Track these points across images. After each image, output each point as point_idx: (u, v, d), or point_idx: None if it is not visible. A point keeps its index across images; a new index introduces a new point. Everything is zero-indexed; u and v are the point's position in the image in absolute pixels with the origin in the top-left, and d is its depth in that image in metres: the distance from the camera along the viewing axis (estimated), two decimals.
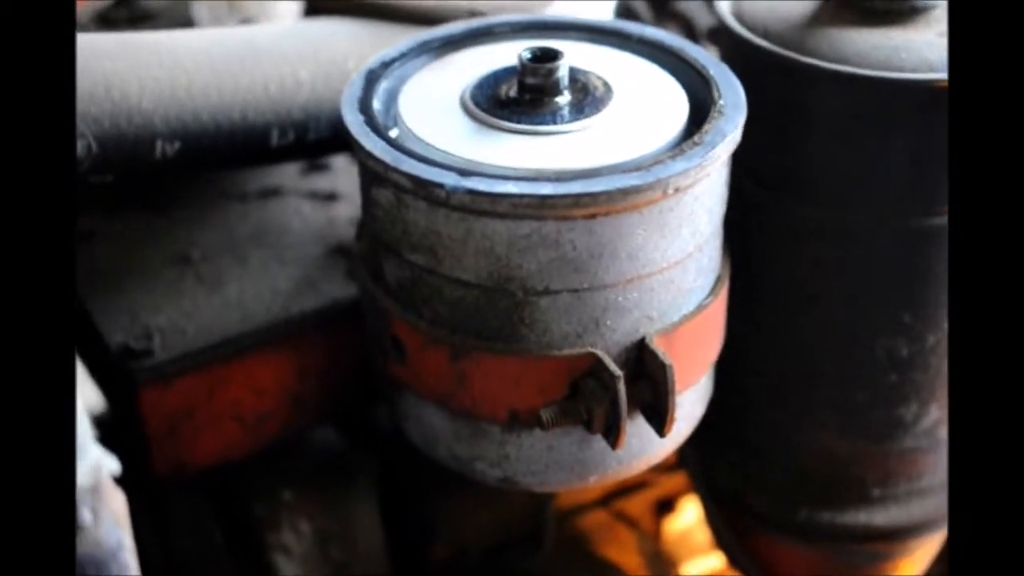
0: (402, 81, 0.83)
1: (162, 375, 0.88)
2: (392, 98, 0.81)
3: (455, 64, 0.84)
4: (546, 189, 0.70)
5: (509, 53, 0.82)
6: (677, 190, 0.72)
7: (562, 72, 0.77)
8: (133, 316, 0.91)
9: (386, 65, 0.83)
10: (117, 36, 0.88)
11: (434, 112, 0.79)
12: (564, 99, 0.78)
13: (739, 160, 0.78)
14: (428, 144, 0.75)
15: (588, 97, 0.78)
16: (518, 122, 0.76)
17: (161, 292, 0.93)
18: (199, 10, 1.09)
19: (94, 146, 0.81)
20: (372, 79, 0.81)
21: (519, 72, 0.78)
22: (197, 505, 1.00)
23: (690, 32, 1.21)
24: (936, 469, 1.00)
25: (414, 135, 0.77)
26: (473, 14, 0.92)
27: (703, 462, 1.04)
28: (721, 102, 0.77)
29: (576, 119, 0.76)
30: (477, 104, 0.78)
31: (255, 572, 1.00)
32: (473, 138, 0.76)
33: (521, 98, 0.78)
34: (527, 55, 0.77)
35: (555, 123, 0.76)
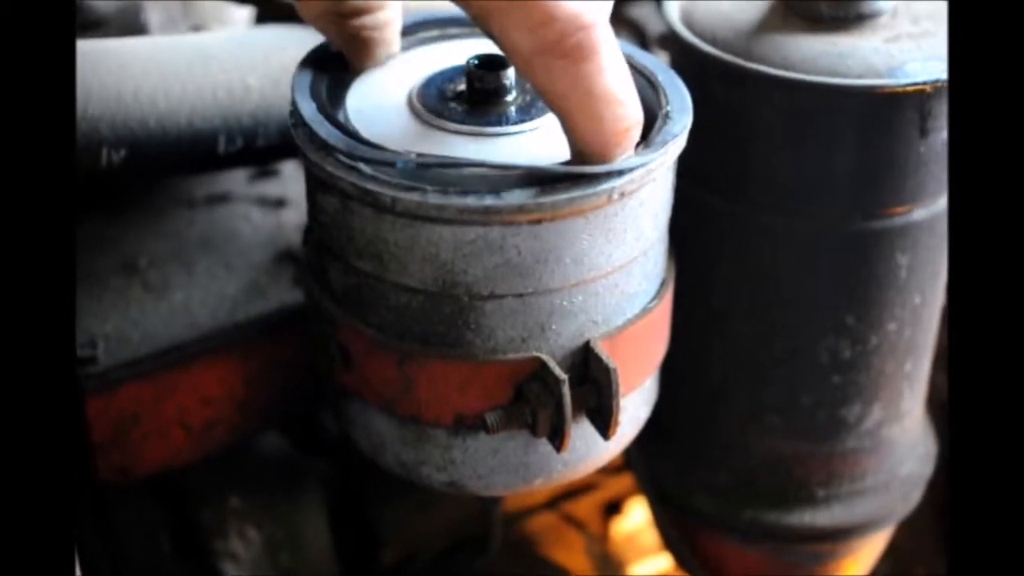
0: (348, 83, 0.82)
1: (107, 382, 0.87)
2: (339, 101, 0.81)
3: (402, 63, 0.83)
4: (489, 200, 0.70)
5: (458, 51, 0.82)
6: (622, 195, 0.72)
7: (510, 77, 0.78)
8: (78, 324, 0.90)
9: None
10: None
11: (381, 113, 0.78)
12: (512, 100, 0.78)
13: (686, 165, 0.78)
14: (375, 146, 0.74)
15: (536, 99, 0.78)
16: (463, 123, 0.76)
17: (107, 299, 0.93)
18: (151, 14, 1.09)
19: None
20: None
21: (467, 77, 0.78)
22: (144, 512, 0.99)
23: (641, 38, 1.22)
24: (879, 469, 1.01)
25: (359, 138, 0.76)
26: None
27: (649, 464, 1.05)
28: (668, 107, 0.77)
29: (524, 120, 0.76)
30: (424, 105, 0.78)
31: None
32: (420, 140, 0.75)
33: (469, 99, 0.78)
34: (474, 62, 0.77)
35: (502, 124, 0.76)
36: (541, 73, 0.66)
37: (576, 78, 0.66)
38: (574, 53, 0.65)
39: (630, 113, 0.68)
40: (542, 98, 0.68)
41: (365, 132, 0.75)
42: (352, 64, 0.81)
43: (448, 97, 0.78)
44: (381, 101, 0.79)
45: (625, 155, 0.71)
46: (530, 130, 0.76)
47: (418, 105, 0.78)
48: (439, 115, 0.77)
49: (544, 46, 0.65)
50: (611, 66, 0.66)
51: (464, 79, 0.78)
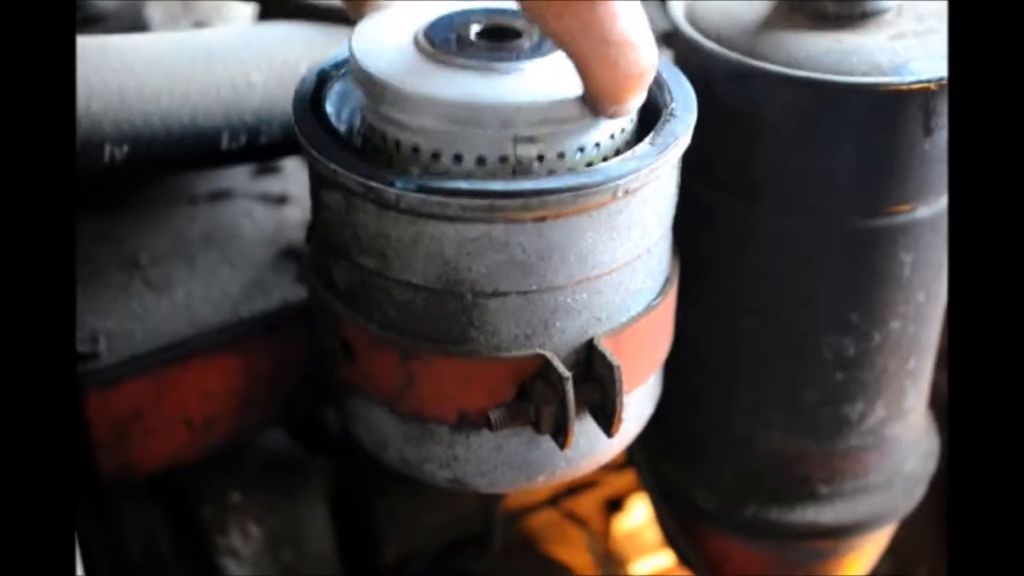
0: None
1: (109, 378, 0.87)
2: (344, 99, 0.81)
3: (408, 11, 0.80)
4: (496, 186, 0.70)
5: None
6: (627, 193, 0.72)
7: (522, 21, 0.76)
8: (79, 319, 0.90)
9: (339, 66, 0.82)
10: None
11: (386, 50, 0.76)
12: (523, 38, 0.76)
13: (690, 162, 0.78)
14: (378, 80, 0.73)
15: (547, 42, 0.75)
16: (472, 58, 0.74)
17: (109, 295, 0.92)
18: (153, 11, 1.09)
19: None
20: (324, 80, 0.81)
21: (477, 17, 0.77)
22: (144, 508, 0.99)
23: None
24: (882, 466, 1.01)
25: (366, 71, 0.74)
26: None
27: (652, 461, 1.05)
28: (672, 105, 0.77)
29: (535, 56, 0.74)
30: (431, 42, 0.75)
31: None
32: (427, 76, 0.73)
33: (479, 36, 0.76)
34: (477, 29, 0.76)
35: (513, 60, 0.74)
36: (553, 17, 0.65)
37: (589, 21, 0.65)
38: None
39: (644, 58, 0.67)
40: (554, 41, 0.67)
41: (372, 69, 0.74)
42: (354, 10, 0.80)
43: (457, 35, 0.76)
44: (386, 40, 0.77)
45: (638, 100, 0.70)
46: (542, 65, 0.74)
47: (424, 43, 0.75)
48: (447, 51, 0.74)
49: None
50: (625, 9, 0.65)
51: (473, 20, 0.77)
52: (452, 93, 0.71)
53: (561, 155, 0.73)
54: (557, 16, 0.65)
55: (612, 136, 0.75)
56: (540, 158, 0.72)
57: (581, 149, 0.73)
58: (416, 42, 0.75)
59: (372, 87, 0.73)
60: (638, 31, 0.66)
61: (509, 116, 0.71)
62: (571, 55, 0.67)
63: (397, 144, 0.74)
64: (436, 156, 0.73)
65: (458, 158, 0.72)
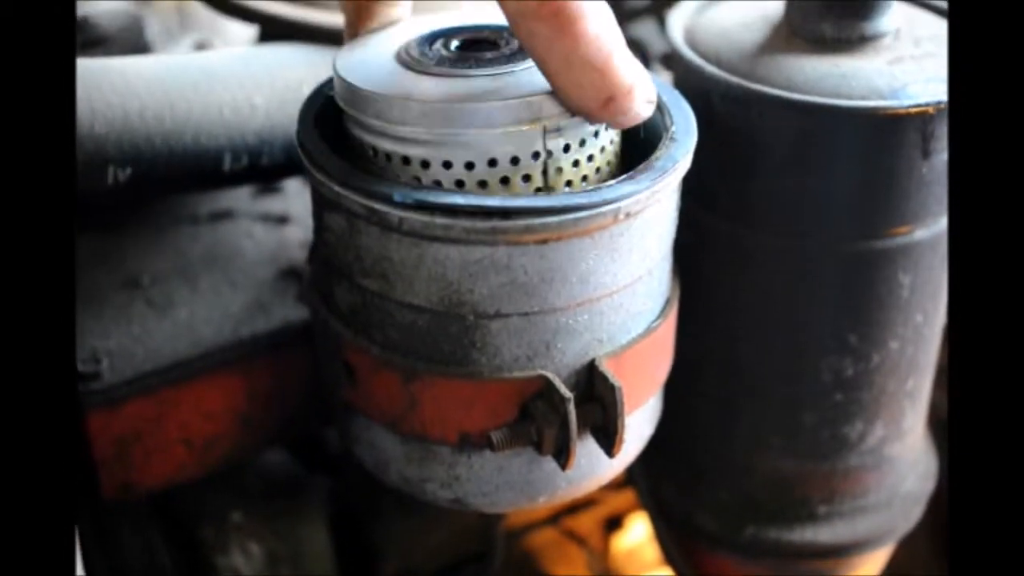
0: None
1: (110, 399, 0.87)
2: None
3: (394, 30, 0.81)
4: (495, 202, 0.70)
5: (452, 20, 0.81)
6: (628, 215, 0.72)
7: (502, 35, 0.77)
8: (81, 340, 0.90)
9: None
10: None
11: (368, 65, 0.76)
12: (502, 49, 0.76)
13: (690, 185, 0.79)
14: (356, 87, 0.73)
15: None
16: (452, 67, 0.74)
17: (110, 316, 0.93)
18: (152, 25, 1.09)
19: None
20: (327, 101, 0.81)
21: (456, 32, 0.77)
22: (146, 528, 0.99)
23: (644, 57, 1.22)
24: (880, 486, 1.01)
25: (345, 82, 0.74)
26: None
27: (651, 480, 1.05)
28: (673, 128, 0.77)
29: (514, 62, 0.74)
30: (411, 55, 0.75)
31: None
32: (407, 84, 0.73)
33: (459, 48, 0.77)
34: (456, 44, 0.77)
35: (492, 65, 0.74)
36: (524, 34, 0.66)
37: (554, 43, 0.66)
38: (553, 19, 0.65)
39: (611, 83, 0.67)
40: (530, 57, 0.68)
41: (352, 79, 0.74)
42: (350, 30, 0.80)
43: (439, 48, 0.76)
44: (369, 56, 0.77)
45: (619, 120, 0.70)
46: (521, 70, 0.73)
47: (406, 56, 0.75)
48: (429, 63, 0.74)
49: (525, 9, 0.65)
50: (595, 35, 0.65)
51: (453, 38, 0.77)
52: (427, 95, 0.71)
53: (583, 142, 0.74)
54: (528, 33, 0.66)
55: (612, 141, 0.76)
56: (567, 148, 0.73)
57: (596, 134, 0.74)
58: (398, 56, 0.76)
59: (357, 98, 0.73)
60: (607, 57, 0.66)
61: (539, 105, 0.71)
62: (543, 72, 0.68)
63: (388, 156, 0.74)
64: (425, 165, 0.73)
65: (447, 164, 0.72)
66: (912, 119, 0.83)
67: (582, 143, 0.74)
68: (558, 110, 0.71)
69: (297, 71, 0.93)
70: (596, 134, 0.75)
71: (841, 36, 0.88)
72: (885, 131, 0.84)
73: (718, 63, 0.88)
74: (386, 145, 0.74)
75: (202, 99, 0.88)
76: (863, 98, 0.84)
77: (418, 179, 0.73)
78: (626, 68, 0.68)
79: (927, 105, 0.83)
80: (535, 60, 0.68)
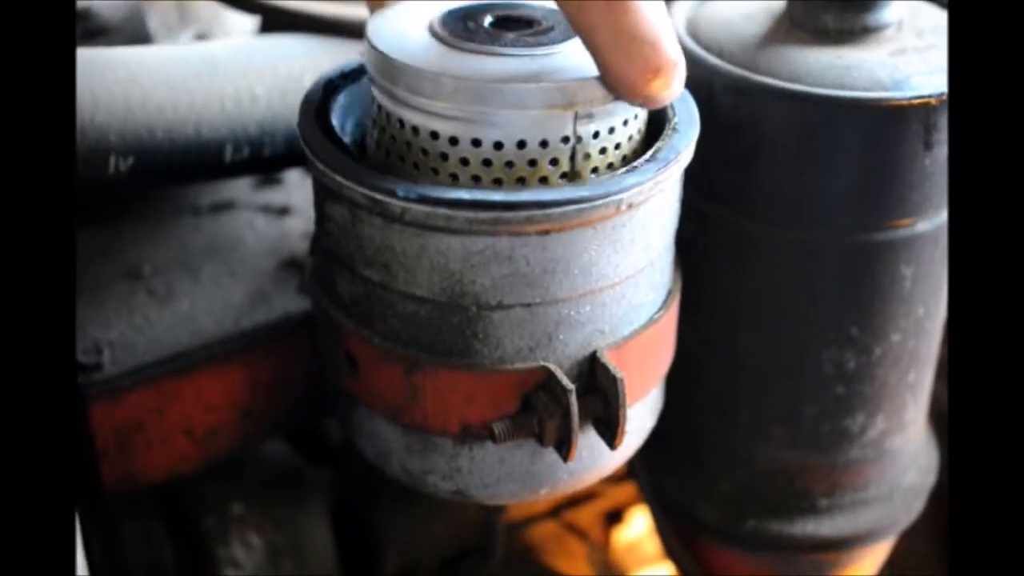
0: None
1: (112, 390, 0.87)
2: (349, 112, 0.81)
3: (418, 7, 0.80)
4: (499, 196, 0.70)
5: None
6: (630, 206, 0.72)
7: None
8: (83, 331, 0.90)
9: (344, 78, 0.82)
10: None
11: (401, 36, 0.75)
12: (538, 27, 0.76)
13: (692, 176, 0.79)
14: (389, 57, 0.72)
15: (558, 28, 0.75)
16: (486, 44, 0.73)
17: (111, 307, 0.93)
18: (152, 20, 1.09)
19: None
20: (330, 92, 0.81)
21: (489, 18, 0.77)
22: (146, 519, 0.99)
23: None
24: (882, 479, 1.01)
25: (378, 52, 0.73)
26: None
27: (652, 473, 1.05)
28: (675, 119, 0.77)
29: (549, 43, 0.74)
30: (446, 29, 0.75)
31: None
32: (441, 60, 0.73)
33: (493, 25, 0.76)
34: (490, 21, 0.76)
35: (527, 47, 0.73)
36: (573, 9, 0.66)
37: (607, 16, 0.66)
38: None
39: (661, 56, 0.68)
40: (576, 32, 0.68)
41: (385, 49, 0.73)
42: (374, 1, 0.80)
43: (472, 24, 0.76)
44: (401, 26, 0.76)
45: (662, 96, 0.70)
46: (556, 52, 0.73)
47: (440, 29, 0.75)
48: (462, 38, 0.74)
49: None
50: (648, 7, 0.66)
51: (487, 14, 0.77)
52: (461, 72, 0.71)
53: (612, 130, 0.73)
54: (577, 9, 0.66)
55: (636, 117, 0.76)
56: (596, 134, 0.73)
57: (625, 123, 0.74)
58: (431, 29, 0.75)
59: (389, 69, 0.73)
60: (655, 29, 0.67)
61: (573, 91, 0.71)
62: (588, 44, 0.68)
63: (415, 130, 0.73)
64: (454, 141, 0.72)
65: (476, 143, 0.72)
66: (914, 111, 0.83)
67: (611, 131, 0.74)
68: (591, 96, 0.71)
69: (299, 62, 0.93)
70: (625, 122, 0.75)
71: (843, 27, 0.88)
72: (887, 123, 0.84)
73: (720, 54, 0.88)
74: (415, 118, 0.73)
75: (204, 89, 0.88)
76: (865, 90, 0.84)
77: (444, 155, 0.73)
78: (673, 43, 0.68)
79: (929, 97, 0.83)
80: (582, 33, 0.68)
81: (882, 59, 0.86)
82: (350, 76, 0.83)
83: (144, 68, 0.87)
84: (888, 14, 0.89)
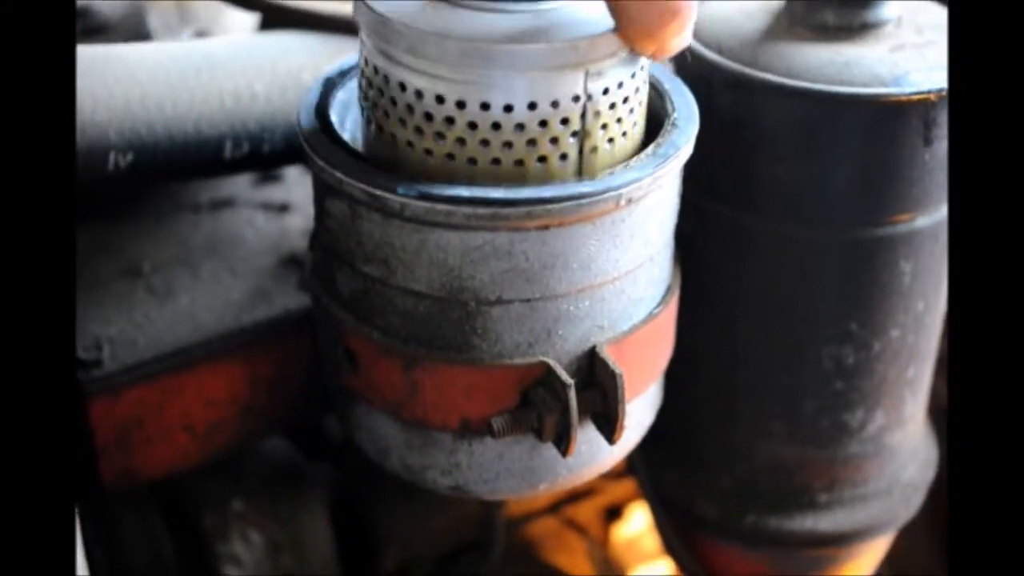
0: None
1: (112, 386, 0.87)
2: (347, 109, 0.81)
3: None
4: (498, 194, 0.70)
5: None
6: (630, 201, 0.72)
7: None
8: (82, 327, 0.90)
9: (343, 75, 0.82)
10: None
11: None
12: None
13: (691, 172, 0.79)
14: (387, 18, 0.70)
15: None
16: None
17: (111, 303, 0.93)
18: (152, 19, 1.09)
19: None
20: (329, 89, 0.81)
21: None
22: (146, 515, 0.99)
23: None
24: (881, 474, 1.01)
25: (374, 12, 0.71)
26: None
27: (652, 469, 1.05)
28: (675, 115, 0.77)
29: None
30: None
31: None
32: (437, 16, 0.71)
33: None
34: None
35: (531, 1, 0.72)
36: None
37: None
38: None
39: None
40: None
41: (382, 8, 0.71)
42: None
43: None
44: None
45: (674, 43, 0.69)
46: (560, 6, 0.72)
47: None
48: None
49: None
50: None
51: None
52: (457, 31, 0.69)
53: (620, 84, 0.72)
54: None
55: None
56: (606, 90, 0.72)
57: (632, 75, 0.73)
58: None
59: (388, 31, 0.70)
60: None
61: (584, 49, 0.69)
62: None
63: (419, 93, 0.71)
64: (461, 105, 0.70)
65: (485, 106, 0.70)
66: (914, 106, 0.84)
67: (620, 85, 0.72)
68: (602, 52, 0.70)
69: (298, 58, 0.93)
70: (632, 75, 0.73)
71: (843, 23, 0.88)
72: (887, 119, 0.84)
73: (719, 50, 0.88)
74: (418, 82, 0.71)
75: (203, 86, 0.88)
76: (865, 85, 0.84)
77: (451, 120, 0.71)
78: None
79: (929, 92, 0.83)
80: None
81: (881, 55, 0.86)
82: (349, 73, 0.83)
83: (143, 65, 0.87)
84: (887, 10, 0.89)
